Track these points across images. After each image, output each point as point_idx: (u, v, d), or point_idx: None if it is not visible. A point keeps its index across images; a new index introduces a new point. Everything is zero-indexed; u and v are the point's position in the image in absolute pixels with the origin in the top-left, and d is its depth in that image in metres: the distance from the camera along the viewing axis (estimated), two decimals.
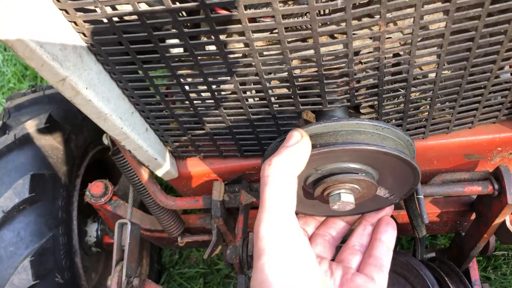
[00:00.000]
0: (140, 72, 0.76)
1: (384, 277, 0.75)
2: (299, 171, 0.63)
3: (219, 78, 0.76)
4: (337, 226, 0.86)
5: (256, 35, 0.66)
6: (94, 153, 1.45)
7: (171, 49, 0.73)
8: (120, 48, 0.70)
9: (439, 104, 0.85)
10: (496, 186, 0.95)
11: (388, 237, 0.80)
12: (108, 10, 0.62)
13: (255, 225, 0.59)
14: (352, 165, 0.71)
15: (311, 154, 0.65)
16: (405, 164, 0.71)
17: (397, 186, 0.78)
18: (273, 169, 0.60)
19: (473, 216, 1.16)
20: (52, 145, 1.25)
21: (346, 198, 0.76)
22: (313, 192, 0.77)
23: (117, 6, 0.64)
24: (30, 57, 0.60)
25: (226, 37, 0.72)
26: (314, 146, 0.66)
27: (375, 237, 0.80)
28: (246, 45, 0.68)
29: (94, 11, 0.64)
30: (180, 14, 0.63)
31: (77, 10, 0.62)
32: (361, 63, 0.74)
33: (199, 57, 0.71)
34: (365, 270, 0.76)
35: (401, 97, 0.82)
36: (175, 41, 0.68)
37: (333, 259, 0.83)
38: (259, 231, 0.57)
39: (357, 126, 0.68)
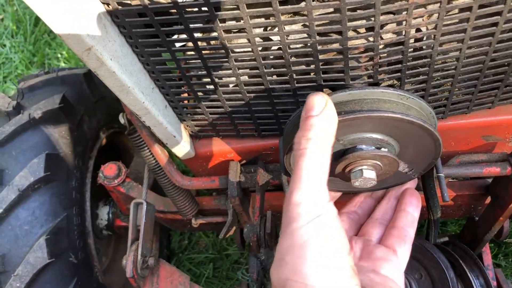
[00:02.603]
0: (162, 47, 0.75)
1: (407, 249, 0.75)
2: (333, 138, 0.62)
3: (240, 51, 0.76)
4: (363, 204, 0.85)
5: (282, 7, 0.66)
6: (106, 135, 1.45)
7: (194, 21, 0.72)
8: (143, 19, 0.70)
9: (461, 83, 0.85)
10: None
11: (413, 208, 0.79)
12: None
13: (287, 194, 0.59)
14: (375, 136, 0.71)
15: None
16: (427, 135, 0.70)
17: (418, 159, 0.78)
18: (309, 141, 0.60)
19: (488, 200, 1.16)
20: (65, 126, 1.25)
21: (368, 175, 0.76)
22: (334, 168, 0.77)
23: None
24: (58, 25, 0.60)
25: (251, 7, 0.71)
26: (338, 114, 0.65)
27: (399, 208, 0.79)
28: (271, 16, 0.67)
29: None
30: None
31: None
32: (385, 38, 0.73)
33: (221, 29, 0.70)
34: (387, 241, 0.76)
35: (422, 74, 0.81)
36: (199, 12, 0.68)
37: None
38: (293, 197, 0.57)
39: (382, 94, 0.68)
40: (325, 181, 0.60)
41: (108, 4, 0.67)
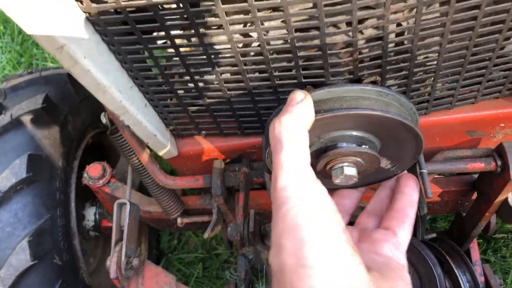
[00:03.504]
0: (139, 44, 0.74)
1: (407, 231, 0.72)
2: (309, 125, 0.62)
3: (219, 49, 0.75)
4: (351, 195, 0.84)
5: (258, 2, 0.65)
6: (91, 136, 1.43)
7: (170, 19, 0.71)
8: (118, 17, 0.68)
9: (443, 78, 0.84)
10: (499, 163, 0.95)
11: (411, 189, 0.76)
12: None
13: (272, 182, 0.58)
14: (355, 133, 0.70)
15: (314, 119, 0.64)
16: (408, 131, 0.70)
17: (400, 156, 0.77)
18: (284, 126, 0.60)
19: (475, 196, 1.16)
20: (49, 126, 1.24)
21: (349, 172, 0.75)
22: (315, 166, 0.76)
23: None
24: (28, 24, 0.59)
25: (228, 3, 0.70)
26: (317, 112, 0.65)
27: (397, 191, 0.77)
28: (248, 12, 0.66)
29: None
30: None
31: None
32: (364, 33, 0.72)
33: (199, 26, 0.69)
34: (386, 223, 0.73)
35: (404, 70, 0.81)
36: (175, 8, 0.67)
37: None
38: (278, 182, 0.56)
39: (361, 92, 0.67)
40: (307, 161, 0.59)
41: (81, 2, 0.66)
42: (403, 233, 0.72)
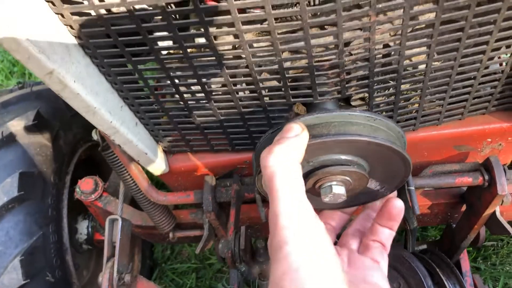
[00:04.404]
0: (129, 65, 0.75)
1: (386, 259, 0.76)
2: (300, 158, 0.62)
3: (209, 71, 0.76)
4: (336, 217, 0.85)
5: (246, 26, 0.66)
6: (83, 150, 1.43)
7: (160, 42, 0.72)
8: (108, 40, 0.69)
9: (430, 95, 0.86)
10: (487, 177, 0.96)
11: (393, 223, 0.77)
12: (96, 1, 0.61)
13: (271, 217, 0.58)
14: (343, 157, 0.71)
15: None
16: (396, 156, 0.70)
17: (388, 178, 0.78)
18: (277, 158, 0.60)
19: (464, 208, 1.17)
20: (40, 142, 1.24)
21: (337, 190, 0.75)
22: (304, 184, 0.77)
23: None
24: (17, 49, 0.59)
25: (216, 28, 0.71)
26: None
27: (381, 219, 0.77)
28: (236, 36, 0.67)
29: (81, 2, 0.63)
30: (169, 5, 0.62)
31: (64, 2, 0.61)
32: (351, 54, 0.74)
33: (188, 50, 0.70)
34: (370, 252, 0.76)
35: (391, 88, 0.82)
36: (164, 33, 0.68)
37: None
38: (279, 221, 0.56)
39: (349, 117, 0.68)
40: (303, 195, 0.59)
41: (71, 26, 0.67)
42: (384, 262, 0.76)
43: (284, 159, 0.60)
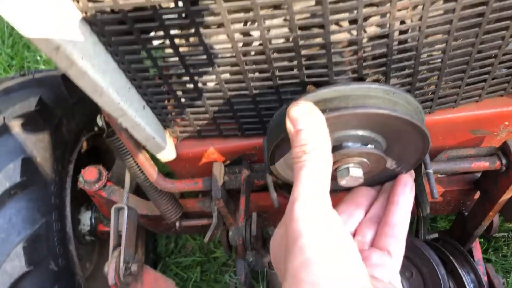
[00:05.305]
0: (137, 45, 0.72)
1: (401, 246, 0.72)
2: (329, 143, 0.61)
3: (220, 48, 0.73)
4: (366, 192, 0.82)
5: (261, 0, 0.63)
6: (86, 139, 1.41)
7: (169, 18, 0.69)
8: (115, 16, 0.66)
9: (448, 76, 0.83)
10: (504, 161, 0.94)
11: (405, 201, 0.75)
12: None
13: (289, 205, 0.57)
14: (361, 132, 0.69)
15: None
16: (415, 131, 0.68)
17: (406, 155, 0.76)
18: (309, 155, 0.59)
19: (477, 195, 1.15)
20: (43, 129, 1.21)
21: (355, 173, 0.73)
22: None
23: None
24: (24, 24, 0.57)
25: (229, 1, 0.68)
26: (323, 111, 0.63)
27: (391, 199, 0.76)
28: (250, 10, 0.64)
29: None
30: None
31: None
32: (369, 31, 0.71)
33: (199, 25, 0.67)
34: (380, 241, 0.73)
35: (409, 68, 0.79)
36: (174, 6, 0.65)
37: None
38: (295, 211, 0.55)
39: (368, 90, 0.65)
40: (326, 191, 0.58)
41: (78, 1, 0.64)
42: (397, 250, 0.73)
43: (314, 154, 0.59)
